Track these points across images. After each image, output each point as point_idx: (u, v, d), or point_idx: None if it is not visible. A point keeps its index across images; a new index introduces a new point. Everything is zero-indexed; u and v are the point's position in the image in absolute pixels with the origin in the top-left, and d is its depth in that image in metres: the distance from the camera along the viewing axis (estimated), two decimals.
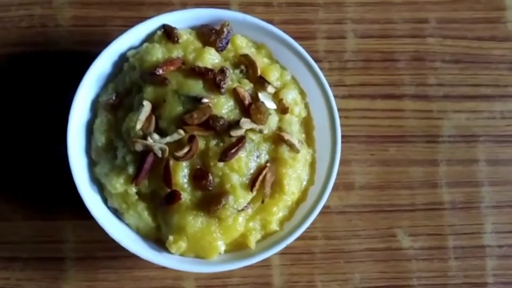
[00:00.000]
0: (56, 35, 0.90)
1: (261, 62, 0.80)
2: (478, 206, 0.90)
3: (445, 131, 0.91)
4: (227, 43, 0.79)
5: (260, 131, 0.75)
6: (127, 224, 0.77)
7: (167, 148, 0.73)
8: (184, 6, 0.91)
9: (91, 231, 0.84)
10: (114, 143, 0.77)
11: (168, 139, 0.73)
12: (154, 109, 0.75)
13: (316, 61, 0.82)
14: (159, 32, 0.79)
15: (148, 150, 0.73)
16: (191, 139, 0.73)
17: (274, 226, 0.77)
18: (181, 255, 0.75)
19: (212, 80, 0.75)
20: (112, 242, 0.75)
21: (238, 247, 0.77)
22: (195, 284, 0.85)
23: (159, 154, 0.73)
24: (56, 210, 0.85)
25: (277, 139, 0.76)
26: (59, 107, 0.83)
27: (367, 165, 0.89)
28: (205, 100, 0.74)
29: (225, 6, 0.92)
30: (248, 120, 0.74)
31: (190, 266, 0.74)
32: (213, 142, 0.74)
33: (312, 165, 0.80)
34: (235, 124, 0.74)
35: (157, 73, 0.75)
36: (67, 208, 0.85)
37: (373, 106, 0.90)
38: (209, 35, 0.80)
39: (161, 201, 0.74)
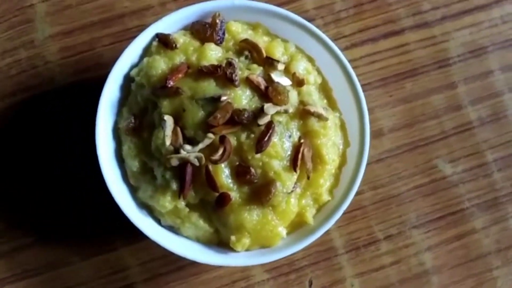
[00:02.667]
0: (49, 72, 0.88)
1: (261, 42, 0.79)
2: (505, 114, 0.91)
3: (453, 51, 0.91)
4: (224, 34, 0.78)
5: (286, 111, 0.75)
6: (186, 237, 0.78)
7: (202, 155, 0.73)
8: (163, 6, 0.90)
9: (149, 251, 0.86)
10: (148, 164, 0.77)
11: (200, 146, 0.73)
12: (176, 121, 0.75)
13: (309, 20, 0.81)
14: (154, 43, 0.78)
15: (184, 162, 0.73)
16: (222, 139, 0.73)
17: (325, 197, 0.78)
18: (247, 250, 0.77)
19: (223, 75, 0.74)
20: (172, 255, 0.76)
21: (297, 226, 0.78)
22: (263, 269, 0.87)
23: (197, 163, 0.73)
24: (111, 241, 0.86)
25: (303, 113, 0.76)
26: (80, 143, 0.84)
27: (389, 108, 0.90)
28: (223, 98, 0.74)
29: None
30: (270, 104, 0.74)
31: (260, 259, 0.76)
32: (243, 136, 0.74)
33: (343, 127, 0.80)
34: (260, 112, 0.74)
35: (168, 85, 0.75)
36: (120, 236, 0.86)
37: (378, 48, 0.91)
38: (204, 31, 0.79)
39: (213, 206, 0.75)
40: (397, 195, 0.89)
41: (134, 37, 0.88)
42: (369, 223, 0.88)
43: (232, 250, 0.76)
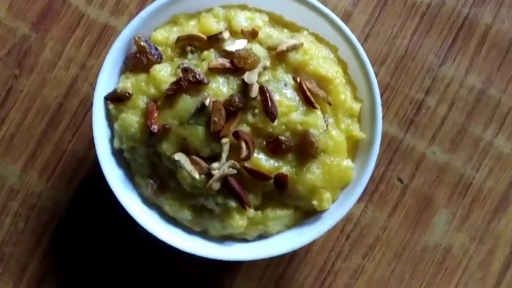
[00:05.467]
0: (48, 201, 0.85)
1: (192, 28, 0.75)
2: None
3: None
4: (156, 49, 0.75)
5: (264, 68, 0.72)
6: (278, 232, 0.76)
7: (233, 160, 0.70)
8: (84, 67, 0.86)
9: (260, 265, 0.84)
10: (196, 205, 0.74)
11: (224, 155, 0.70)
12: (187, 152, 0.72)
13: None
14: (110, 107, 0.75)
15: (224, 178, 0.71)
16: (237, 135, 0.70)
17: (355, 106, 0.75)
18: (333, 201, 0.75)
19: (189, 83, 0.71)
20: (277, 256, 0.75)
21: (355, 148, 0.76)
22: None
23: (234, 171, 0.71)
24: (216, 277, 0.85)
25: (279, 56, 0.73)
26: (127, 237, 0.82)
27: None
28: (206, 101, 0.70)
29: (111, 27, 0.87)
30: (247, 72, 0.71)
31: (352, 199, 0.74)
32: (250, 117, 0.71)
33: (319, 38, 0.77)
34: (245, 86, 0.71)
35: (154, 130, 0.71)
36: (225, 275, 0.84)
37: None
38: (139, 61, 0.75)
39: (277, 192, 0.73)
40: (405, 52, 0.86)
41: (86, 113, 0.85)
42: (403, 93, 0.86)
43: (323, 212, 0.74)
